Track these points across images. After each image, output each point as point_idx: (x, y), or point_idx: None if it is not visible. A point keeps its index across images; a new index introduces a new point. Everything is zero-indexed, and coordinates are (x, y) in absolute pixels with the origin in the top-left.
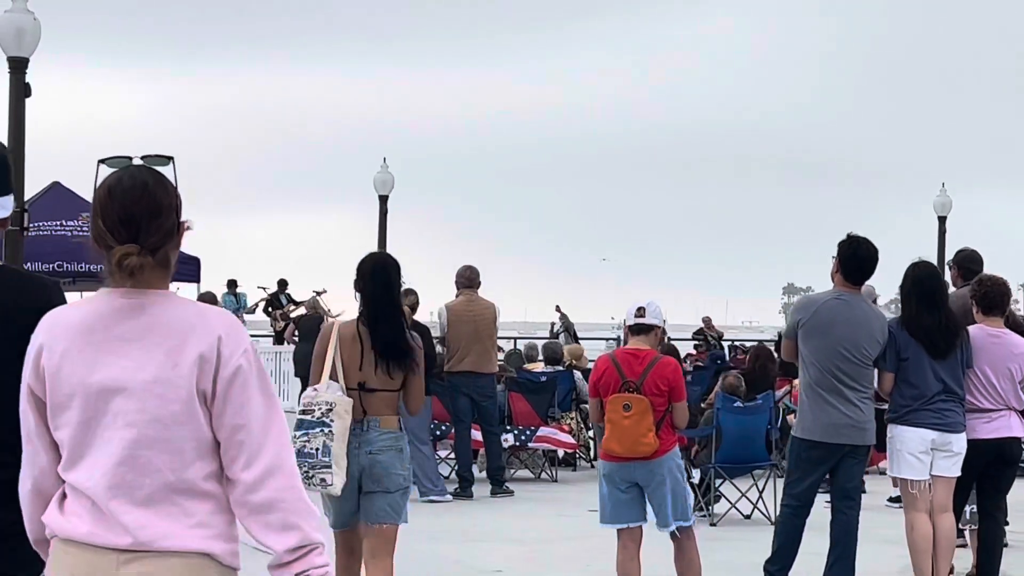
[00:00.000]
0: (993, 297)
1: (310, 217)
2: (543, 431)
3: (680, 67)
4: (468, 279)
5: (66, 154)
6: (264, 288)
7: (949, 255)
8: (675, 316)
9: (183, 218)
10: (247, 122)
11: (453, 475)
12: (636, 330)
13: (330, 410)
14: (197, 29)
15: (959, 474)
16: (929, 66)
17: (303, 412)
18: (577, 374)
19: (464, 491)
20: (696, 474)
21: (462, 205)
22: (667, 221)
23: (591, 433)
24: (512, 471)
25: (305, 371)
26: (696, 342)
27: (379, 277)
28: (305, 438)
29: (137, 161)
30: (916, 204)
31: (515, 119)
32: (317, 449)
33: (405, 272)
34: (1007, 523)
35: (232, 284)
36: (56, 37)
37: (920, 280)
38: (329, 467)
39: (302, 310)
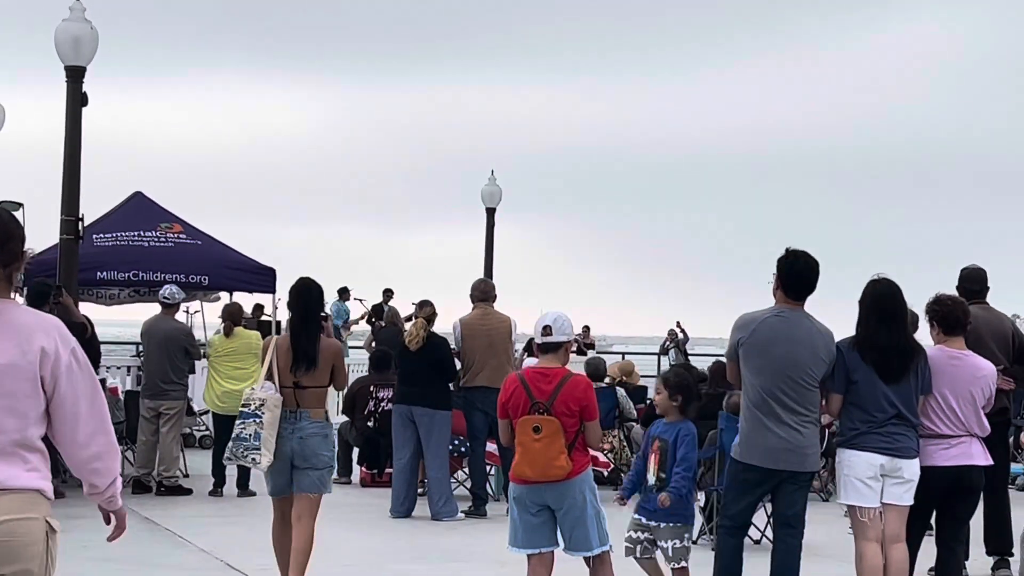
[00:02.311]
0: (955, 317)
1: (416, 229)
2: None
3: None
4: (483, 292)
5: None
6: (361, 300)
7: None
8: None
9: (26, 248)
10: (353, 133)
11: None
12: (544, 348)
13: (262, 405)
14: (314, 43)
15: (911, 503)
16: None
17: (243, 405)
18: (620, 391)
19: (478, 509)
20: (701, 497)
21: (570, 218)
22: (829, 240)
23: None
24: None
25: None
26: None
27: (301, 300)
28: (242, 425)
29: None
30: None
31: (629, 131)
32: (250, 435)
33: (510, 284)
34: (1012, 554)
35: (344, 293)
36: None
37: (880, 297)
38: (259, 449)
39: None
